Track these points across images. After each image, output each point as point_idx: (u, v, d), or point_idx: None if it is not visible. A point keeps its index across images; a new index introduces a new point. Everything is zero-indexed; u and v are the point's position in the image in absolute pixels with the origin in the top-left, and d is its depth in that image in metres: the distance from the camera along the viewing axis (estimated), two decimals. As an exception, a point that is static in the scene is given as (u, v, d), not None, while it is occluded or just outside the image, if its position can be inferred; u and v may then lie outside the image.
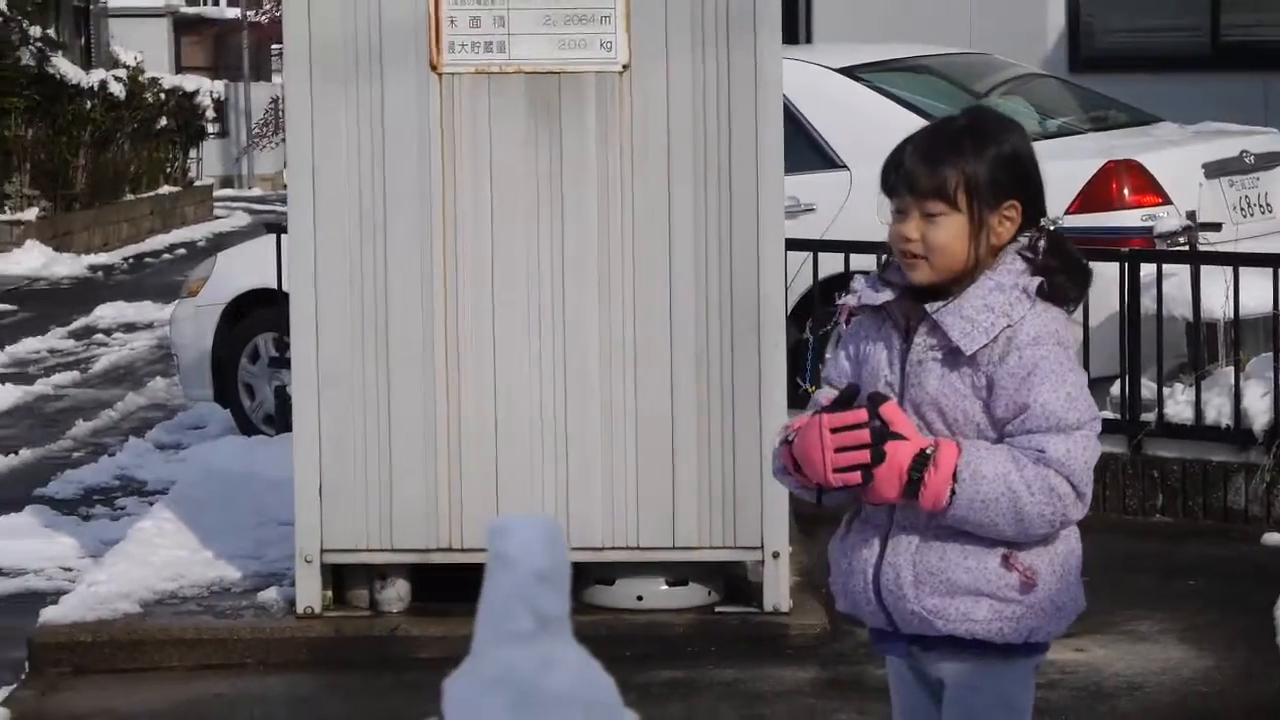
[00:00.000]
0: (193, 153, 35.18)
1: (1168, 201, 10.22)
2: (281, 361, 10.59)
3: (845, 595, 4.35)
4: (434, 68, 7.70)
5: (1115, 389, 9.64)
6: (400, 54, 7.70)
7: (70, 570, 9.13)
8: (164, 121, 32.00)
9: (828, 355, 3.92)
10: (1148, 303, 9.56)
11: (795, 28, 15.21)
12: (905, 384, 4.19)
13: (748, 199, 7.71)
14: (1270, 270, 9.34)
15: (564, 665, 2.43)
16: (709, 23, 7.68)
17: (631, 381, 7.73)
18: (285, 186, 8.15)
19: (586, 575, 7.79)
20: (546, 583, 2.19)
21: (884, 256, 4.32)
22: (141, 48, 35.88)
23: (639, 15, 7.68)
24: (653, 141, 7.70)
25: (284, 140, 7.80)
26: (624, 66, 7.70)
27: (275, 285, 10.53)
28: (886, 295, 4.23)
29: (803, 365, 10.39)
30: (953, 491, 4.06)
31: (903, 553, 4.18)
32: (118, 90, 29.11)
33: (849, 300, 4.26)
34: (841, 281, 10.16)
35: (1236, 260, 9.50)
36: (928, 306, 4.18)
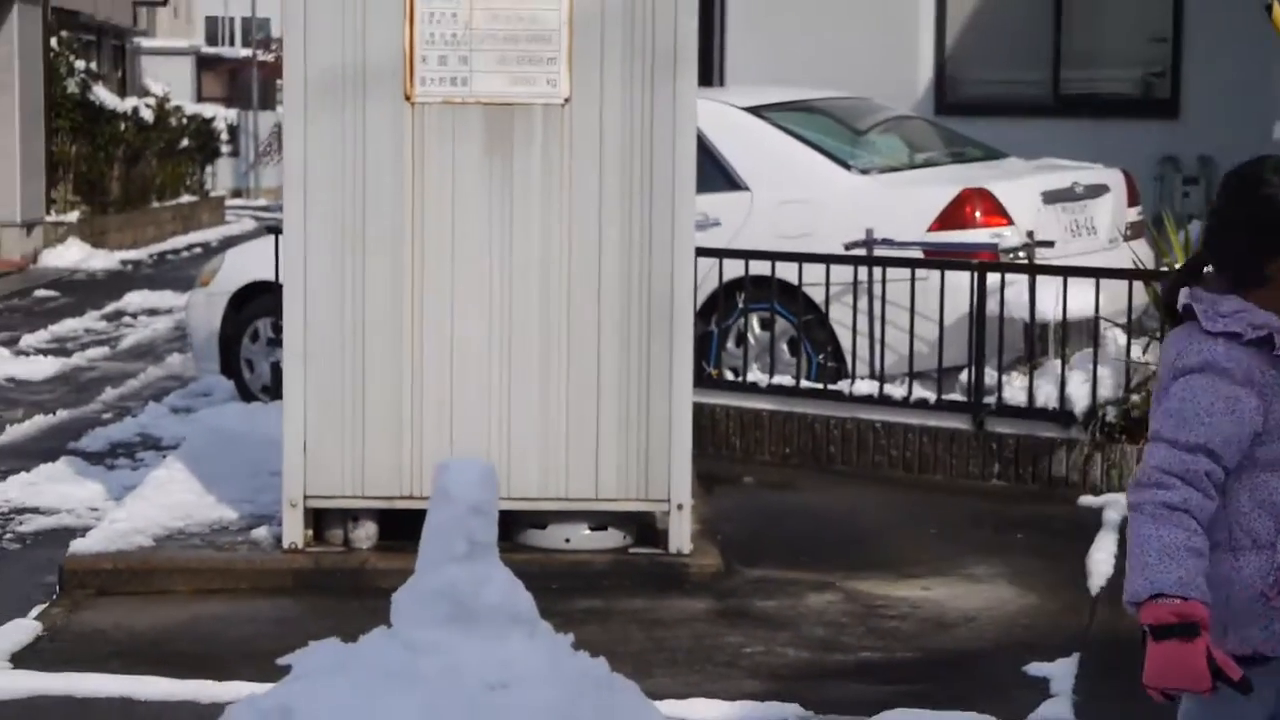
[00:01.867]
0: (209, 168, 34.94)
1: (1011, 223, 10.22)
2: (277, 341, 10.58)
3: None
4: (408, 98, 7.72)
5: (964, 376, 9.68)
6: (379, 86, 7.72)
7: (96, 510, 9.12)
8: (185, 142, 31.80)
9: (1201, 417, 3.60)
10: (992, 306, 9.58)
11: (711, 73, 15.24)
12: None
13: (665, 213, 7.74)
14: (1093, 281, 9.41)
15: (493, 582, 2.49)
16: (638, 65, 7.72)
17: (565, 362, 7.76)
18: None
19: (522, 521, 7.79)
20: (479, 514, 2.26)
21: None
22: (168, 81, 35.61)
23: (579, 58, 7.71)
24: (588, 162, 7.72)
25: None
26: (565, 100, 7.72)
27: (273, 278, 10.53)
28: None
29: (706, 352, 10.43)
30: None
31: None
32: (147, 115, 28.93)
33: (1238, 329, 3.61)
34: (740, 284, 10.26)
35: (1065, 272, 9.53)
36: None
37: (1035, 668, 6.53)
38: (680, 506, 7.76)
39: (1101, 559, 7.79)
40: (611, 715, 2.55)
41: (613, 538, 7.88)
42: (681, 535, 7.79)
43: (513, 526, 7.77)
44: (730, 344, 10.55)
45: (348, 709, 1.93)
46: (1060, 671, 6.48)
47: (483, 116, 7.71)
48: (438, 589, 2.44)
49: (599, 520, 7.87)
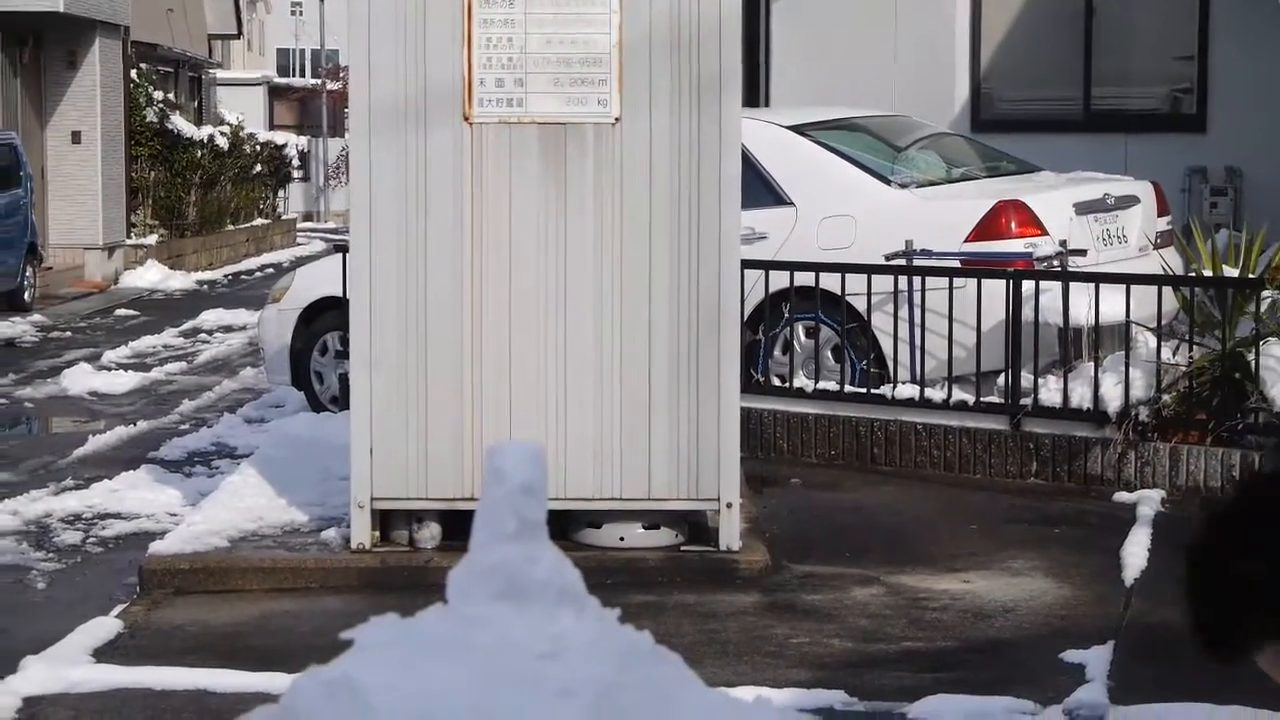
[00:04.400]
0: (281, 193, 35.16)
1: (1045, 233, 10.19)
2: (345, 354, 10.61)
3: None
4: (466, 119, 7.74)
5: (1001, 380, 9.66)
6: (439, 108, 7.74)
7: (175, 515, 9.17)
8: (258, 168, 32.00)
9: None
10: (1028, 312, 9.55)
11: (757, 93, 15.23)
12: None
13: (712, 227, 7.74)
14: (1124, 288, 9.38)
15: (542, 560, 2.48)
16: (685, 86, 7.72)
17: (617, 369, 7.76)
18: (347, 213, 8.22)
19: (579, 520, 7.80)
20: (529, 493, 2.25)
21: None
22: (242, 110, 35.85)
23: (629, 80, 7.72)
24: (638, 178, 7.73)
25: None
26: (616, 119, 7.73)
27: (341, 294, 10.57)
28: None
29: (754, 359, 10.42)
30: None
31: None
32: (222, 143, 29.12)
33: None
34: (786, 295, 10.25)
35: (1097, 279, 9.51)
36: None
37: (1071, 655, 6.50)
38: (729, 505, 7.75)
39: (1135, 552, 7.75)
40: (657, 685, 2.55)
41: (665, 536, 7.88)
42: (731, 533, 7.78)
43: (569, 525, 7.78)
44: (777, 351, 10.53)
45: (406, 677, 1.95)
46: (1095, 658, 6.44)
47: (538, 135, 7.73)
48: (490, 566, 2.43)
49: (652, 519, 7.86)
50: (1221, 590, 1.96)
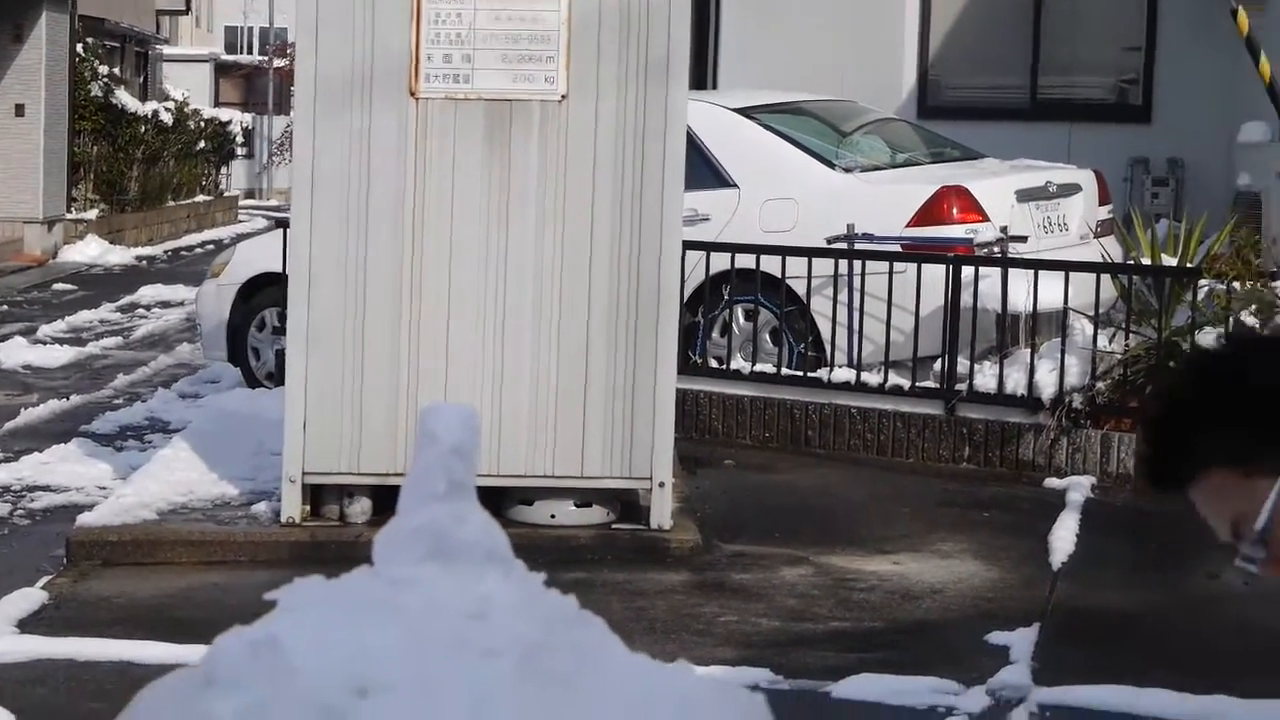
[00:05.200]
0: (224, 170, 35.00)
1: (986, 219, 10.27)
2: (283, 330, 10.61)
3: None
4: (412, 94, 7.76)
5: (937, 365, 9.73)
6: (386, 84, 7.75)
7: (105, 488, 9.13)
8: (202, 144, 31.86)
9: None
10: (967, 297, 9.63)
11: (705, 76, 15.29)
12: None
13: (654, 206, 7.79)
14: (1063, 275, 9.47)
15: (471, 521, 2.52)
16: (633, 66, 7.76)
17: (555, 348, 7.80)
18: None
19: (512, 497, 7.84)
20: (460, 455, 2.29)
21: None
22: (188, 86, 35.66)
23: (576, 58, 7.75)
24: (582, 157, 7.76)
25: (294, 157, 7.79)
26: (562, 97, 7.77)
27: (280, 269, 10.56)
28: None
29: (693, 341, 10.48)
30: None
31: None
32: (166, 119, 28.98)
33: None
34: (727, 277, 10.31)
35: (1036, 266, 9.58)
36: None
37: (996, 637, 6.57)
38: (662, 484, 7.81)
39: (1063, 536, 7.84)
40: (581, 647, 2.61)
41: (597, 514, 7.92)
42: (663, 512, 7.83)
43: (502, 503, 7.82)
44: (715, 334, 10.59)
45: (332, 638, 1.98)
46: (1020, 640, 6.52)
47: (483, 112, 7.76)
48: (418, 527, 2.48)
49: (584, 498, 7.91)
50: (1168, 420, 2.17)
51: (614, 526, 7.92)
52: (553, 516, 7.88)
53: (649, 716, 3.47)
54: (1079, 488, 8.72)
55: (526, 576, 3.00)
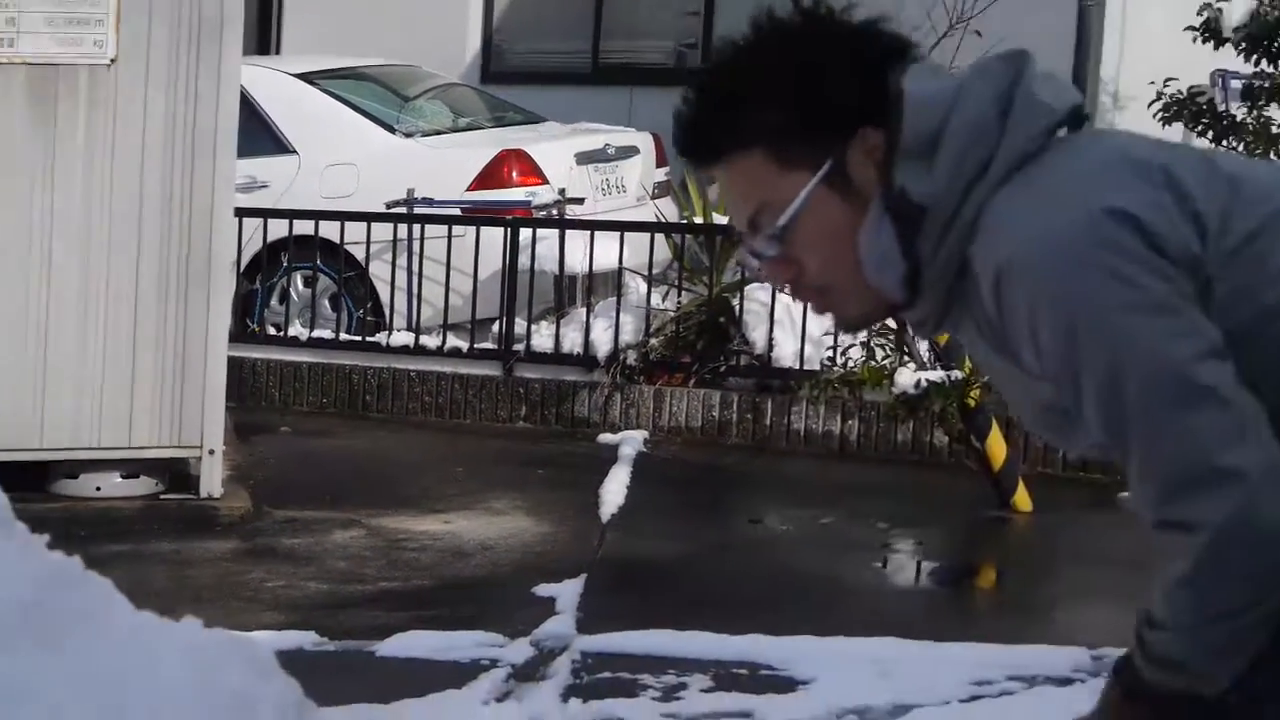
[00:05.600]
0: None
1: (546, 182, 10.43)
2: None
3: None
4: (-46, 58, 7.51)
5: (496, 327, 9.85)
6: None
7: None
8: None
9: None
10: (525, 259, 9.78)
11: (269, 41, 15.11)
12: None
13: (206, 173, 7.67)
14: (618, 235, 9.66)
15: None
16: (185, 30, 7.62)
17: (102, 316, 7.62)
18: None
19: (57, 471, 7.66)
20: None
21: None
22: None
23: (126, 20, 7.58)
24: (132, 122, 7.60)
25: None
26: (112, 60, 7.60)
27: None
28: None
29: (252, 309, 10.39)
30: None
31: None
32: None
33: None
34: (286, 244, 10.23)
35: (593, 227, 9.77)
36: None
37: (543, 589, 6.68)
38: (212, 452, 7.72)
39: (614, 489, 8.02)
40: (84, 608, 2.61)
41: (144, 485, 7.79)
42: (212, 480, 7.74)
43: (48, 478, 7.65)
44: (274, 301, 10.51)
45: None
46: (566, 591, 6.64)
47: (26, 75, 7.54)
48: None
49: (132, 469, 7.77)
50: (714, 80, 2.26)
51: (162, 497, 7.79)
52: (98, 489, 7.71)
53: (152, 670, 3.45)
54: (631, 442, 8.92)
55: (28, 539, 2.97)
